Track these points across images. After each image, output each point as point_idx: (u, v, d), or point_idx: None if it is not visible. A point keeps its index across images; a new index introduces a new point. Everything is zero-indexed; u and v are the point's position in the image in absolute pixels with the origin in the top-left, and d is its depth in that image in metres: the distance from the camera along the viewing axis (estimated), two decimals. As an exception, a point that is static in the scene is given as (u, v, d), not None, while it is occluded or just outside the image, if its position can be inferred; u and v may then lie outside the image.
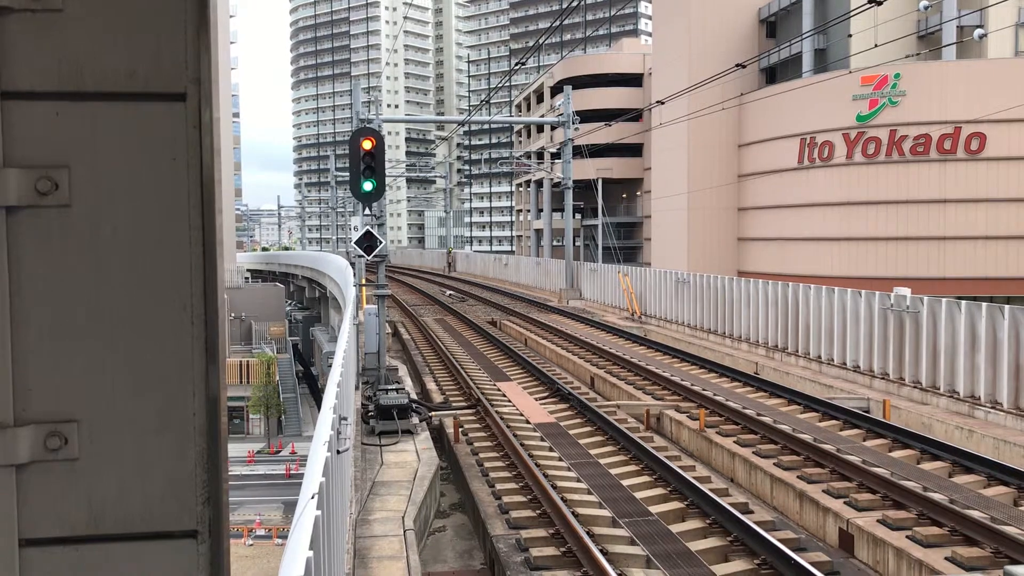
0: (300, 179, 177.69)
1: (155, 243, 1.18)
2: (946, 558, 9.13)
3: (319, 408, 7.57)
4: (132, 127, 1.17)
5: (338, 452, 6.84)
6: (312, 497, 4.30)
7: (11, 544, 1.15)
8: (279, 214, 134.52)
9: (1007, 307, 15.24)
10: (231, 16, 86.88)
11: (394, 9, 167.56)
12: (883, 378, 18.19)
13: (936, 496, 10.69)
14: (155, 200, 1.18)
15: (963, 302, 16.37)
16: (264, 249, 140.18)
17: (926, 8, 41.81)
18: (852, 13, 18.27)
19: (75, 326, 1.17)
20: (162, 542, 1.21)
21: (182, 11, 1.17)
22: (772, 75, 56.18)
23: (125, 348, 1.18)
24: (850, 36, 37.49)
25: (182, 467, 1.21)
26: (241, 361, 57.82)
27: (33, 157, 1.15)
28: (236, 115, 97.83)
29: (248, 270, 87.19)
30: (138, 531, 1.20)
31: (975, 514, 10.01)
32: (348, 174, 15.50)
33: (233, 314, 64.94)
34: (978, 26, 43.24)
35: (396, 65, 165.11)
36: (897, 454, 13.15)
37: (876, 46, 29.08)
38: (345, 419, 8.09)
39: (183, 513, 1.21)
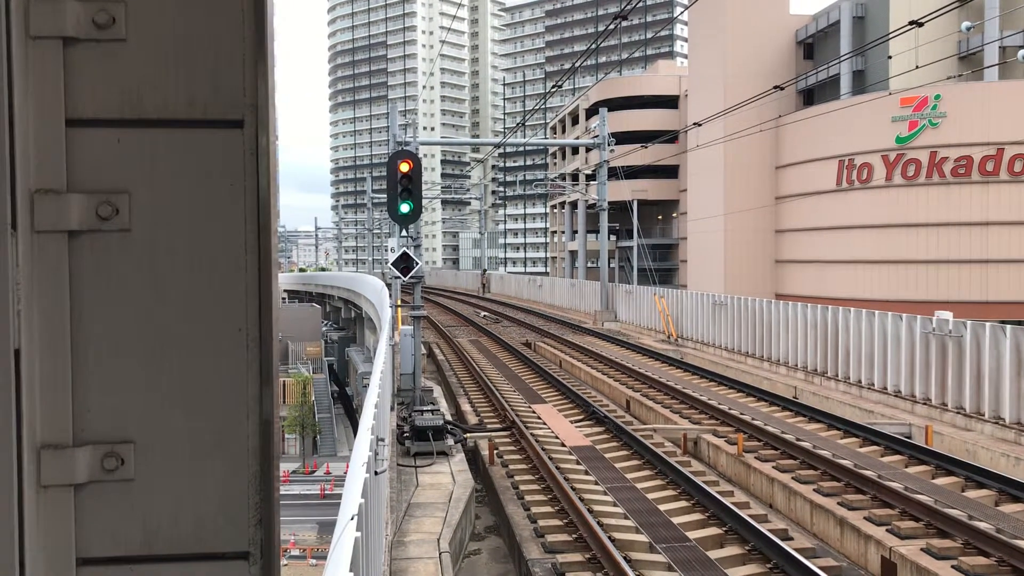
0: (337, 201, 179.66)
1: (212, 267, 1.20)
2: (993, 589, 8.92)
3: (354, 428, 7.60)
4: (191, 153, 1.19)
5: (376, 473, 6.85)
6: (352, 518, 4.30)
7: (68, 563, 1.16)
8: (316, 235, 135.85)
9: (1054, 332, 14.93)
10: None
11: (430, 33, 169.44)
12: (925, 403, 17.88)
13: (982, 525, 10.45)
14: (213, 224, 1.19)
15: (1008, 326, 16.06)
16: (301, 270, 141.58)
17: (968, 29, 41.43)
18: (892, 35, 18.13)
19: (134, 348, 1.18)
20: (214, 563, 1.21)
21: (240, 40, 1.18)
22: (810, 97, 55.87)
23: (182, 370, 1.20)
24: (890, 58, 37.16)
25: (235, 489, 1.21)
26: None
27: (94, 183, 1.17)
28: (275, 138, 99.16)
29: (285, 290, 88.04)
30: (191, 552, 1.21)
31: None
32: (385, 196, 15.62)
33: (270, 334, 65.48)
34: (1021, 47, 42.68)
35: (432, 88, 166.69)
36: (940, 481, 12.89)
37: (916, 67, 28.80)
38: (382, 440, 8.10)
39: (235, 534, 1.22)
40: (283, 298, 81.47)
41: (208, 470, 1.21)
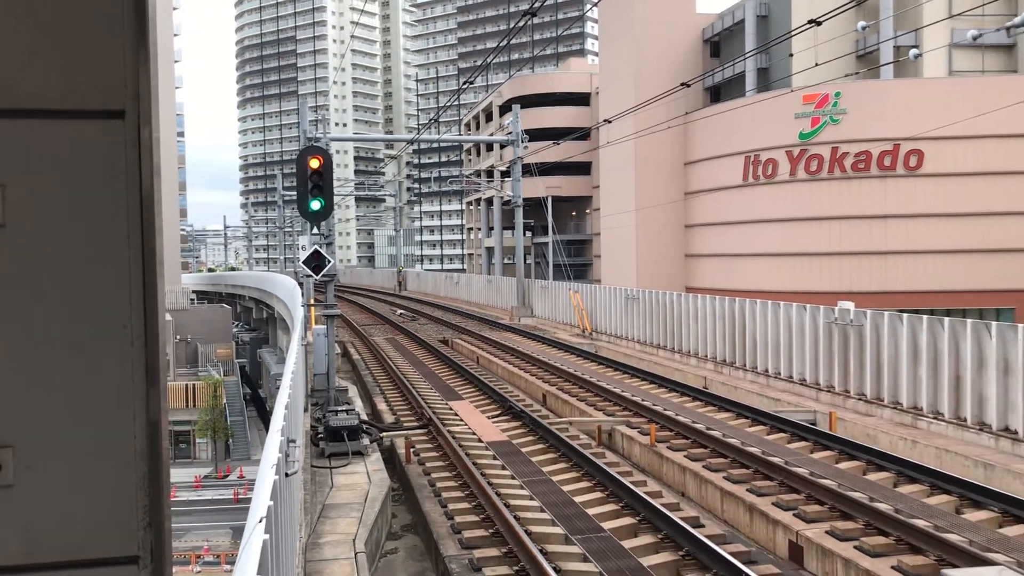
0: (247, 198, 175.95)
1: (93, 263, 1.16)
2: (892, 567, 9.29)
3: (267, 431, 7.47)
4: (69, 145, 1.15)
5: (287, 475, 6.75)
6: (260, 521, 4.23)
7: None
8: (225, 234, 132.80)
9: (947, 319, 15.63)
10: (175, 35, 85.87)
11: (341, 28, 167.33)
12: (829, 391, 18.50)
13: (882, 506, 10.88)
14: (93, 219, 1.16)
15: (905, 315, 16.74)
16: (210, 270, 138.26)
17: (864, 28, 42.94)
18: (793, 33, 18.69)
19: (10, 348, 1.14)
20: (103, 569, 1.18)
21: (120, 27, 1.15)
22: (717, 94, 57.17)
23: (63, 371, 1.16)
24: (791, 55, 38.34)
25: (122, 492, 1.19)
26: (187, 384, 56.82)
27: None
28: (181, 134, 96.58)
29: (194, 291, 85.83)
30: (77, 558, 1.17)
31: (920, 523, 10.20)
32: (296, 193, 15.38)
33: (179, 336, 63.87)
34: (913, 46, 44.50)
35: (344, 84, 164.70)
36: (844, 465, 13.36)
37: (817, 65, 29.75)
38: (294, 441, 7.99)
39: (124, 539, 1.19)
40: (192, 299, 79.41)
41: (94, 473, 1.18)
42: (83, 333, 1.16)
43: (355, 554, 9.67)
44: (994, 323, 14.52)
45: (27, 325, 1.15)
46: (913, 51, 34.31)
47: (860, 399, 17.46)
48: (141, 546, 1.19)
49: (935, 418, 15.40)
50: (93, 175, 1.16)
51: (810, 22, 16.98)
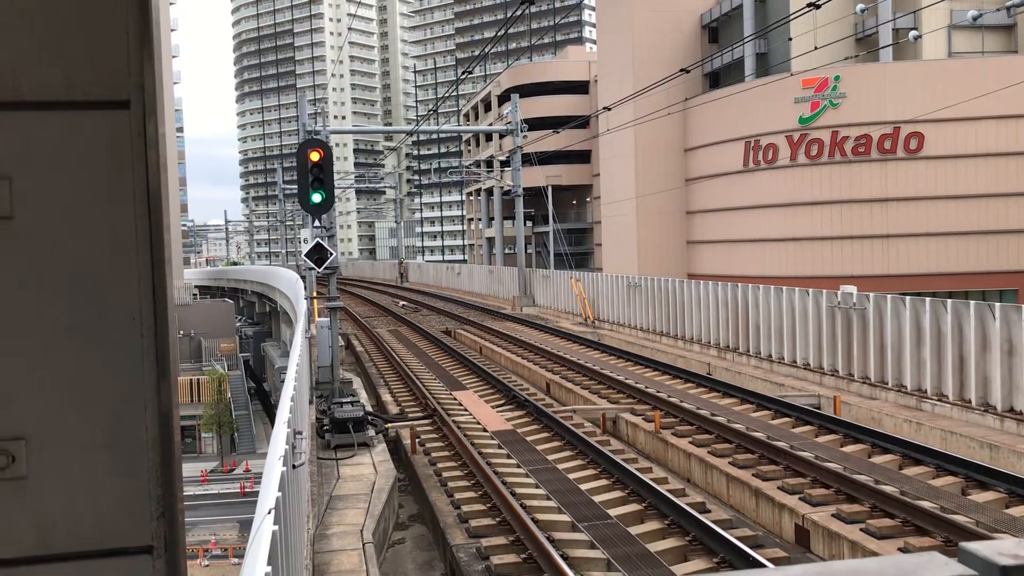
0: (247, 193, 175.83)
1: (101, 255, 1.16)
2: (899, 548, 9.31)
3: (272, 425, 7.48)
4: (73, 136, 1.15)
5: (294, 467, 6.76)
6: (269, 512, 4.24)
7: None
8: (227, 229, 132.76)
9: (950, 301, 15.61)
10: (172, 30, 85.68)
11: (338, 20, 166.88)
12: (833, 375, 18.50)
13: (887, 488, 10.89)
14: (100, 210, 1.16)
15: (908, 298, 16.73)
16: (212, 265, 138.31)
17: (862, 11, 42.79)
18: (791, 16, 18.64)
19: (20, 340, 1.14)
20: (116, 559, 1.18)
21: (123, 15, 1.14)
22: (716, 79, 56.95)
23: (73, 362, 1.16)
24: (790, 40, 38.22)
25: (135, 482, 1.19)
26: (191, 379, 56.91)
27: None
28: (180, 130, 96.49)
29: (196, 286, 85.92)
30: (91, 549, 1.18)
31: (925, 504, 10.22)
32: (296, 186, 15.37)
33: (182, 331, 63.92)
34: (912, 28, 44.31)
35: (342, 76, 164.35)
36: (849, 449, 13.38)
37: (816, 49, 29.71)
38: (300, 433, 8.00)
39: (137, 529, 1.19)
40: (194, 294, 79.51)
41: (106, 464, 1.18)
42: (93, 325, 1.16)
43: (363, 544, 9.71)
44: (998, 304, 14.50)
45: (36, 317, 1.15)
46: (912, 33, 34.20)
47: (864, 382, 17.46)
48: (155, 536, 1.20)
49: (939, 400, 15.41)
50: (99, 166, 1.15)
51: (808, 6, 16.93)
